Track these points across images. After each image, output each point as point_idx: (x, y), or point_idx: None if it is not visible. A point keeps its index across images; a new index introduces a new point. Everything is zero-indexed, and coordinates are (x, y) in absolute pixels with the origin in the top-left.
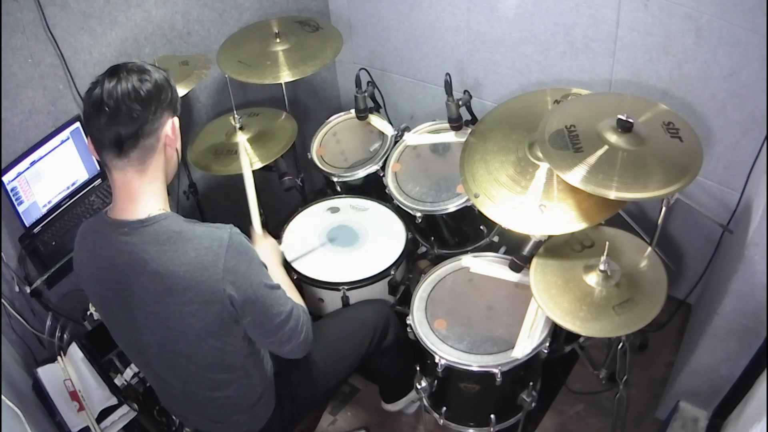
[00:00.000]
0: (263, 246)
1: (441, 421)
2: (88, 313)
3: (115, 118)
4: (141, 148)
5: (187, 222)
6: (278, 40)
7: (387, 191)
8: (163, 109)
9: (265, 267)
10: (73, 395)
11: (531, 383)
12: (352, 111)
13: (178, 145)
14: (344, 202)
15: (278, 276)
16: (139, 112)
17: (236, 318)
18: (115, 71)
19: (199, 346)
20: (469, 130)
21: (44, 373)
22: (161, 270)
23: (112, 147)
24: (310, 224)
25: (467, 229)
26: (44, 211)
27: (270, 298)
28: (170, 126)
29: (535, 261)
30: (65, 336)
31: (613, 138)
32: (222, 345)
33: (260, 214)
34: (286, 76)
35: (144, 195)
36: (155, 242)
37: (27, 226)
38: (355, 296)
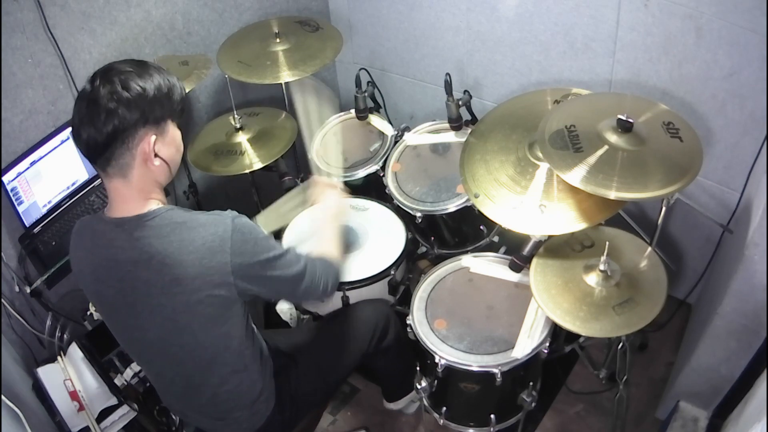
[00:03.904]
0: (324, 194)
1: (441, 421)
2: (88, 313)
3: (84, 129)
4: (114, 166)
5: (188, 212)
6: (278, 40)
7: (387, 191)
8: (134, 127)
9: (272, 236)
10: (73, 395)
11: (531, 383)
12: (352, 111)
13: (168, 155)
14: None
15: (325, 232)
16: (102, 133)
17: (245, 293)
18: (96, 76)
19: (204, 336)
20: (469, 130)
21: (44, 373)
22: (168, 261)
23: (89, 159)
24: (310, 224)
25: (467, 229)
26: (44, 211)
27: (280, 267)
28: (147, 143)
29: (535, 261)
30: (65, 336)
31: (613, 138)
32: (227, 330)
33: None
34: (286, 76)
35: (136, 197)
36: (159, 235)
37: (27, 226)
38: (355, 296)
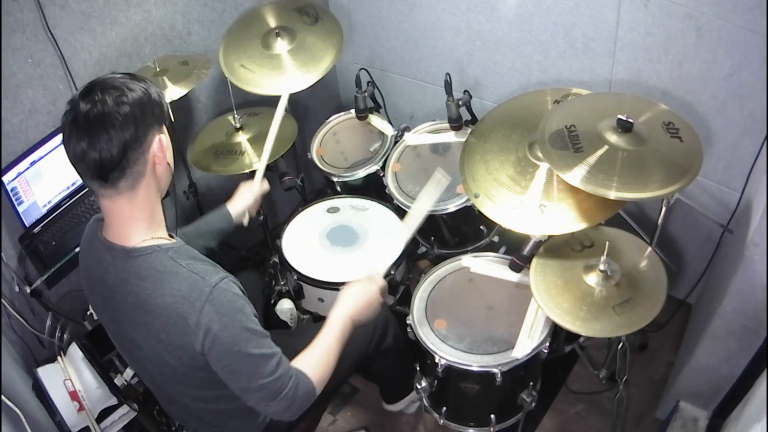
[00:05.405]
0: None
1: (441, 421)
2: (88, 313)
3: (94, 148)
4: (129, 176)
5: (174, 260)
6: (278, 40)
7: (387, 191)
8: (147, 127)
9: (255, 333)
10: (73, 395)
11: (531, 383)
12: (352, 111)
13: (170, 158)
14: (344, 202)
15: (327, 338)
16: (120, 140)
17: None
18: (89, 92)
19: (182, 373)
20: (469, 130)
21: (44, 373)
22: (139, 304)
23: (95, 178)
24: (310, 224)
25: (467, 229)
26: (44, 211)
27: (245, 366)
28: (157, 144)
29: (535, 261)
30: (65, 336)
31: (613, 138)
32: (204, 375)
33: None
34: (290, 87)
35: (133, 222)
36: (137, 276)
37: (27, 226)
38: None
